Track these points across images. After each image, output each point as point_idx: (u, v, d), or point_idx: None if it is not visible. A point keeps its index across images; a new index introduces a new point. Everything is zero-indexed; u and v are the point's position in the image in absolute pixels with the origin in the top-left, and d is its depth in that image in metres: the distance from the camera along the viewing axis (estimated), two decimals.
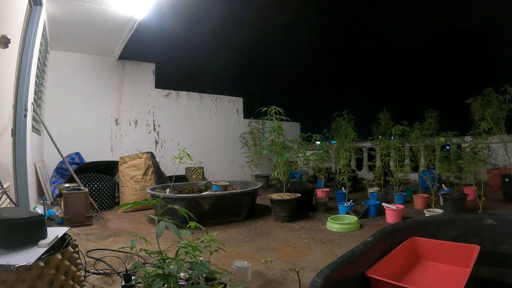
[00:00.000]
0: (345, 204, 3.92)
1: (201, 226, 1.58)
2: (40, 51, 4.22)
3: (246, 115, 8.13)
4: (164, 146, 6.82)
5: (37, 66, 4.01)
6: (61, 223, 3.37)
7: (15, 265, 1.11)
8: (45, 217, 1.82)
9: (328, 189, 5.23)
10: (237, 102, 8.07)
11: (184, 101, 7.21)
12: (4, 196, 1.96)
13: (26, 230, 1.31)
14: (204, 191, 4.18)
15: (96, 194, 4.39)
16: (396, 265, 1.88)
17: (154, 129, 6.75)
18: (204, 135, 7.43)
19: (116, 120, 6.31)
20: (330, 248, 2.66)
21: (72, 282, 1.33)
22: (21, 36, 3.12)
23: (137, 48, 6.08)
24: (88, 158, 5.62)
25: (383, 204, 3.68)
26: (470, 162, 3.71)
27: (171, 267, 1.22)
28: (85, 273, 1.96)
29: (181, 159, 3.59)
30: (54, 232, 1.47)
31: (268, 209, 4.18)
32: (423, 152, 5.17)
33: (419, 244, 2.09)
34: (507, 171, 4.43)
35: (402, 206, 3.62)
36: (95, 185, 4.40)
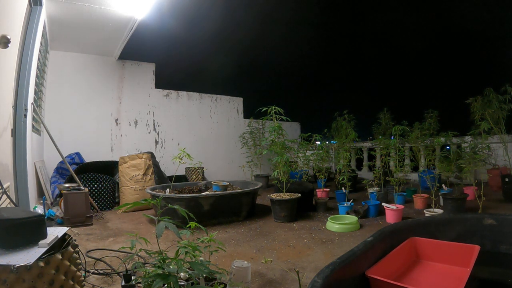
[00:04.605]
0: (345, 204, 3.92)
1: (201, 226, 1.58)
2: (40, 51, 4.22)
3: (246, 115, 8.13)
4: (164, 146, 6.82)
5: (37, 66, 4.00)
6: (61, 223, 3.37)
7: (15, 265, 1.11)
8: (45, 217, 1.82)
9: (328, 189, 5.22)
10: (237, 102, 8.07)
11: (184, 101, 7.21)
12: (4, 196, 1.96)
13: (26, 230, 1.31)
14: (204, 191, 4.18)
15: (96, 194, 4.39)
16: (396, 265, 1.88)
17: (154, 129, 6.75)
18: (204, 135, 7.43)
19: (116, 120, 6.31)
20: (330, 248, 2.66)
21: (72, 282, 1.33)
22: (21, 36, 3.11)
23: (137, 48, 6.09)
24: (88, 158, 5.62)
25: (383, 204, 3.67)
26: (470, 162, 3.71)
27: (171, 267, 1.22)
28: (85, 273, 1.96)
29: (181, 159, 3.59)
30: (54, 232, 1.47)
31: (268, 209, 4.18)
32: (423, 152, 5.17)
33: (419, 244, 2.08)
34: (507, 171, 4.43)
35: (402, 206, 3.62)
36: (95, 185, 4.40)
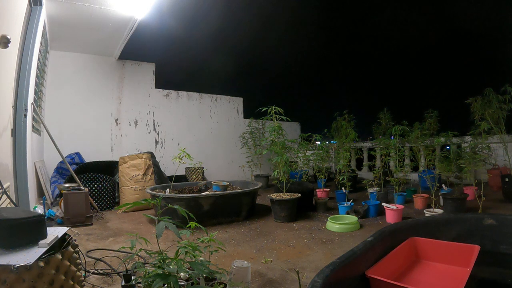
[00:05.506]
0: (345, 204, 3.92)
1: (201, 226, 1.58)
2: (40, 51, 4.22)
3: (246, 115, 8.13)
4: (164, 146, 6.82)
5: (37, 66, 4.00)
6: (61, 223, 3.37)
7: (15, 265, 1.11)
8: (45, 217, 1.82)
9: (328, 189, 5.22)
10: (237, 102, 8.07)
11: (184, 101, 7.22)
12: (4, 196, 1.96)
13: (26, 230, 1.31)
14: (204, 191, 4.18)
15: (96, 194, 4.39)
16: (396, 265, 1.88)
17: (154, 129, 6.75)
18: (204, 135, 7.43)
19: (116, 120, 6.31)
20: (330, 248, 2.66)
21: (72, 282, 1.33)
22: (21, 36, 3.11)
23: (137, 48, 6.08)
24: (88, 158, 5.62)
25: (383, 204, 3.67)
26: (470, 162, 3.71)
27: (171, 267, 1.22)
28: (85, 273, 1.96)
29: (181, 159, 3.59)
30: (54, 232, 1.47)
31: (268, 209, 4.18)
32: (423, 152, 5.17)
33: (419, 244, 2.08)
34: (507, 171, 4.43)
35: (402, 206, 3.62)
36: (95, 185, 4.40)
